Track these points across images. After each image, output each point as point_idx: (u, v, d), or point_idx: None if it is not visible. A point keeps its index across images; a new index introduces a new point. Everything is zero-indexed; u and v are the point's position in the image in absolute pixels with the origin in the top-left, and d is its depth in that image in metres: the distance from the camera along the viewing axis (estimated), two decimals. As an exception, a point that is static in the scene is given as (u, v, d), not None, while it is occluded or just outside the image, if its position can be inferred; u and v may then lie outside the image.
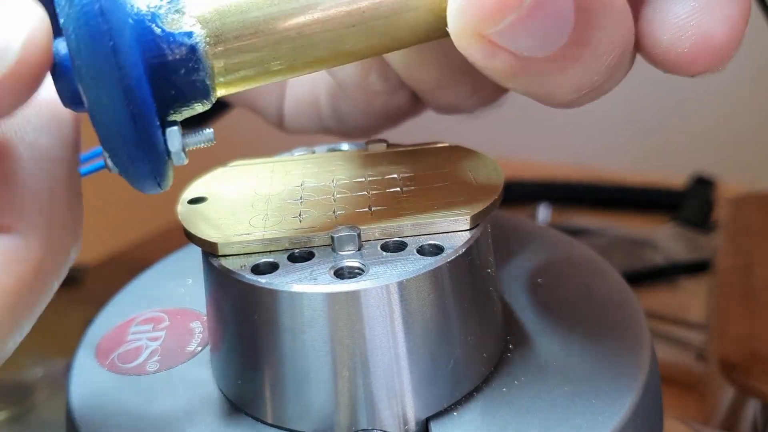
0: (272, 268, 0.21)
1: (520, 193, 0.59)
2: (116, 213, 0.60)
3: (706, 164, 0.60)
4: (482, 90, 0.29)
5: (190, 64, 0.18)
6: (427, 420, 0.21)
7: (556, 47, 0.19)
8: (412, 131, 0.34)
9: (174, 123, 0.19)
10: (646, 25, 0.20)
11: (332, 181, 0.25)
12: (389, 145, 0.28)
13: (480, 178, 0.24)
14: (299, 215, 0.23)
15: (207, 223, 0.22)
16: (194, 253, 0.23)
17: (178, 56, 0.18)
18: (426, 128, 0.34)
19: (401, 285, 0.20)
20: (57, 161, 0.18)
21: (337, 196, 0.24)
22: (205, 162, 0.26)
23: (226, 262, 0.21)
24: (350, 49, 0.20)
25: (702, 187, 0.58)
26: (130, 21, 0.17)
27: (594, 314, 0.25)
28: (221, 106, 0.41)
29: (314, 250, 0.21)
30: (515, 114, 0.31)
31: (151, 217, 0.55)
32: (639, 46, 0.21)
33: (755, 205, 0.48)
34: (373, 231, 0.21)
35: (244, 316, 0.21)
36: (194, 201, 0.24)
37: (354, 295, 0.20)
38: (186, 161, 0.19)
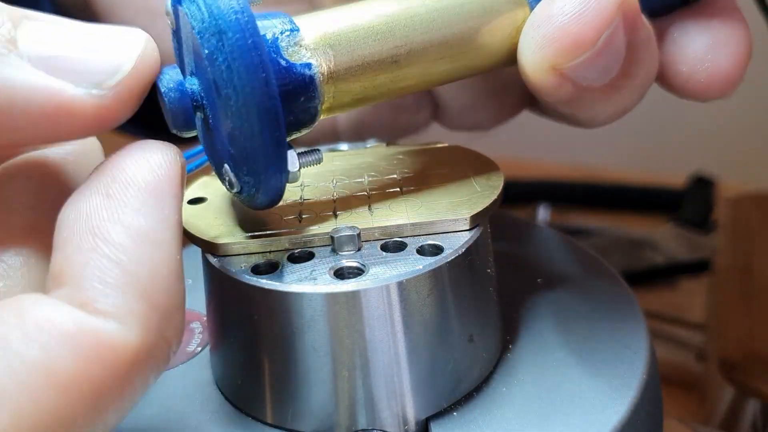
0: (272, 268, 0.21)
1: (520, 193, 0.59)
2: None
3: (706, 164, 0.60)
4: (505, 111, 0.31)
5: (309, 93, 0.20)
6: (427, 420, 0.21)
7: (610, 78, 0.21)
8: (412, 131, 0.34)
9: (290, 146, 0.20)
10: (667, 58, 0.23)
11: (332, 181, 0.25)
12: (389, 145, 0.28)
13: (480, 178, 0.24)
14: (299, 215, 0.23)
15: (207, 224, 0.22)
16: (194, 253, 0.23)
17: (299, 86, 0.20)
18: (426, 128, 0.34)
19: (401, 285, 0.20)
20: (158, 243, 0.17)
21: (337, 196, 0.24)
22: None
23: (226, 262, 0.21)
24: (435, 77, 0.22)
25: (702, 187, 0.58)
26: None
27: (594, 314, 0.25)
28: None
29: (314, 250, 0.21)
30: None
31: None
32: (659, 76, 0.23)
33: (755, 205, 0.47)
34: (373, 231, 0.21)
35: (244, 316, 0.21)
36: (194, 201, 0.24)
37: (354, 295, 0.20)
38: (299, 180, 0.20)
